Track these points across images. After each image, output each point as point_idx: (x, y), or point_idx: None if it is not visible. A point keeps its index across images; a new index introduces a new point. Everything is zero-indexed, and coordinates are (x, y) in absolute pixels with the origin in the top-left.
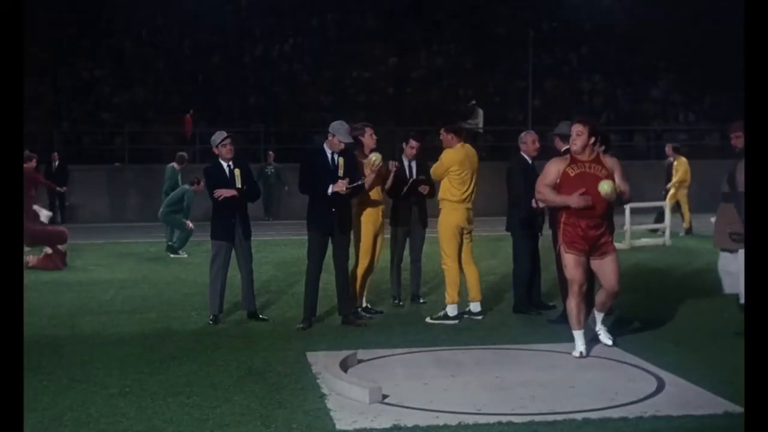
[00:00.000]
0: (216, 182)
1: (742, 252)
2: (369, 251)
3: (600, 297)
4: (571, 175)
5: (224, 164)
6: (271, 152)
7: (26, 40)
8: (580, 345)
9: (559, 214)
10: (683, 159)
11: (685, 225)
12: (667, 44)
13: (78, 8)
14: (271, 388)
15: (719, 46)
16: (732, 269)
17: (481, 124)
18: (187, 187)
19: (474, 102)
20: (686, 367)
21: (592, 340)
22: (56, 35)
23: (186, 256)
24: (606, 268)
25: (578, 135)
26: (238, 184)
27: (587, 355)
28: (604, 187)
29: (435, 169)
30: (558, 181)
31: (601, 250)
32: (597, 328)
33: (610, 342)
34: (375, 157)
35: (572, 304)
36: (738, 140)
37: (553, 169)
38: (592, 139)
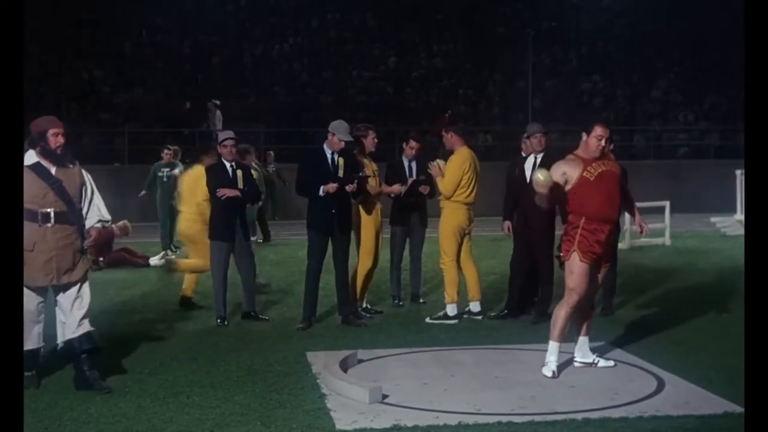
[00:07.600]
0: (218, 182)
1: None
2: (371, 251)
3: (578, 321)
4: (591, 179)
5: (227, 165)
6: (270, 152)
7: (26, 41)
8: (553, 362)
9: (576, 219)
10: None
11: None
12: (667, 44)
13: (78, 8)
14: (271, 388)
15: (719, 46)
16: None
17: (219, 126)
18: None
19: (215, 102)
20: (686, 367)
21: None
22: (56, 35)
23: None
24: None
25: (606, 139)
26: (240, 185)
27: (558, 375)
28: (538, 176)
29: (447, 184)
30: (576, 186)
31: (608, 255)
32: (592, 359)
33: (612, 363)
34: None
35: (562, 313)
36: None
37: (563, 169)
38: (612, 145)
